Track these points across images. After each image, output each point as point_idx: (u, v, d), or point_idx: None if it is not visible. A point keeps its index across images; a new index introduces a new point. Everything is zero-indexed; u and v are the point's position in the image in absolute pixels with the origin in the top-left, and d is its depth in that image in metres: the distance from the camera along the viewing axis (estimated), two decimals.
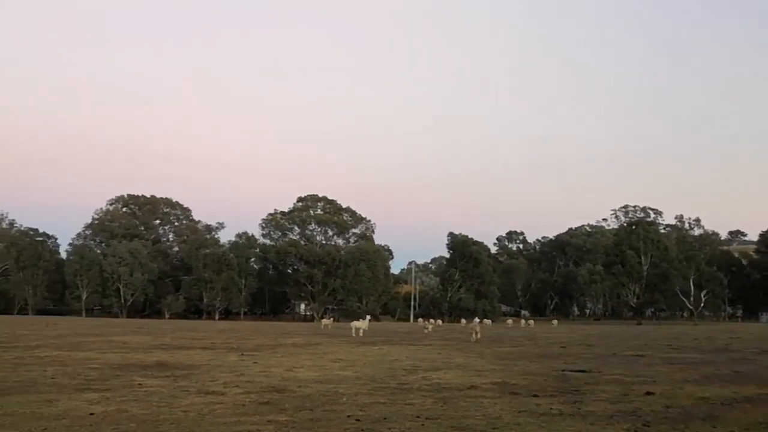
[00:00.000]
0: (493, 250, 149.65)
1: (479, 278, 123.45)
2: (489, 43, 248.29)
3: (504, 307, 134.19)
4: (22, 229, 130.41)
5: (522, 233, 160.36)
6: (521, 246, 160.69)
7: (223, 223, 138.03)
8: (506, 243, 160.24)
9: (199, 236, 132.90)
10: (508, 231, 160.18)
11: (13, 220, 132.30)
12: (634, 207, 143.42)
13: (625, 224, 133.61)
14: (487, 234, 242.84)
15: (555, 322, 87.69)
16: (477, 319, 62.92)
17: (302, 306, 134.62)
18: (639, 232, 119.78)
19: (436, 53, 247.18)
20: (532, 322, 79.84)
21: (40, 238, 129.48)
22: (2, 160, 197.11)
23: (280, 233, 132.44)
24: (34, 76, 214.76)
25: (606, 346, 34.52)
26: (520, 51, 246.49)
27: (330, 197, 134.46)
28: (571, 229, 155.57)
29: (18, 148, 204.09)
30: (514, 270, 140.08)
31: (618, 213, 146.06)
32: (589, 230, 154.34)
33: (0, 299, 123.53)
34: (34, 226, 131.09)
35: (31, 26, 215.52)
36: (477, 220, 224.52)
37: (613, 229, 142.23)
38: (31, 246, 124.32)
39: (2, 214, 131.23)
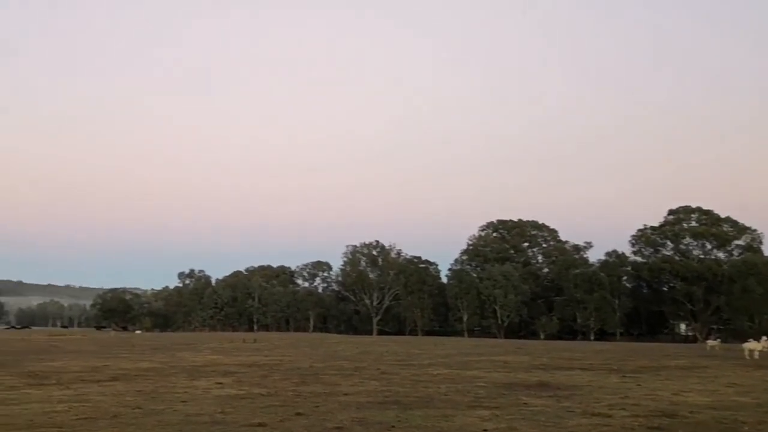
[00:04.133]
0: None
1: None
2: None
3: None
4: (408, 257, 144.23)
5: None
6: None
7: (590, 243, 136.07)
8: None
9: (568, 256, 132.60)
10: None
11: (400, 249, 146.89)
12: None
13: None
14: None
15: None
16: None
17: (682, 326, 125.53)
18: None
19: None
20: None
21: (424, 265, 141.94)
22: (385, 199, 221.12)
23: (651, 249, 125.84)
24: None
25: None
26: None
27: (705, 207, 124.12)
28: None
29: (391, 187, 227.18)
30: None
31: None
32: None
33: (394, 321, 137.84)
34: (418, 254, 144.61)
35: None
36: None
37: None
38: (416, 272, 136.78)
39: (391, 245, 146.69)
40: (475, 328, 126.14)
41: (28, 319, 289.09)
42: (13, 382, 21.85)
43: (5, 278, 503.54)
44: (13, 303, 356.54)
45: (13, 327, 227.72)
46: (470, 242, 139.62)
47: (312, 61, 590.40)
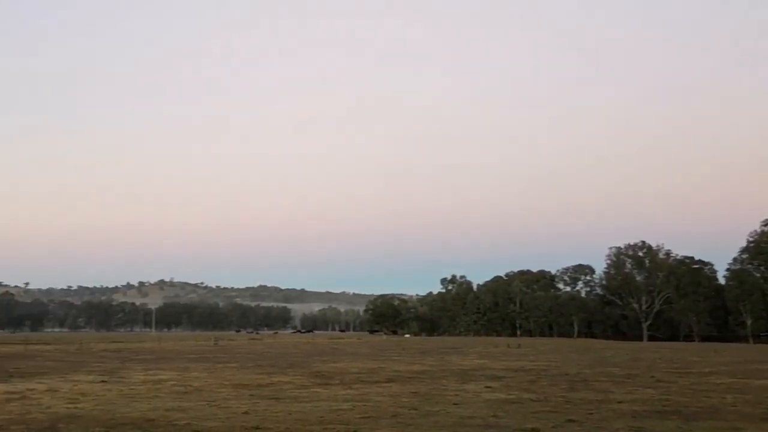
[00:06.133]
0: None
1: None
2: None
3: None
4: (679, 257, 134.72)
5: None
6: None
7: None
8: None
9: None
10: None
11: (669, 250, 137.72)
12: None
13: None
14: None
15: None
16: None
17: None
18: None
19: None
20: None
21: (697, 266, 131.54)
22: (650, 197, 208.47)
23: None
24: None
25: None
26: None
27: None
28: None
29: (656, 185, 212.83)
30: None
31: None
32: None
33: (666, 326, 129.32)
34: (690, 254, 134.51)
35: None
36: None
37: None
38: (689, 274, 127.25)
39: (659, 246, 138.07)
40: (762, 334, 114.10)
41: (310, 324, 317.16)
42: (304, 381, 24.14)
43: (291, 287, 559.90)
44: (298, 309, 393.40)
45: (298, 331, 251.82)
46: (751, 239, 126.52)
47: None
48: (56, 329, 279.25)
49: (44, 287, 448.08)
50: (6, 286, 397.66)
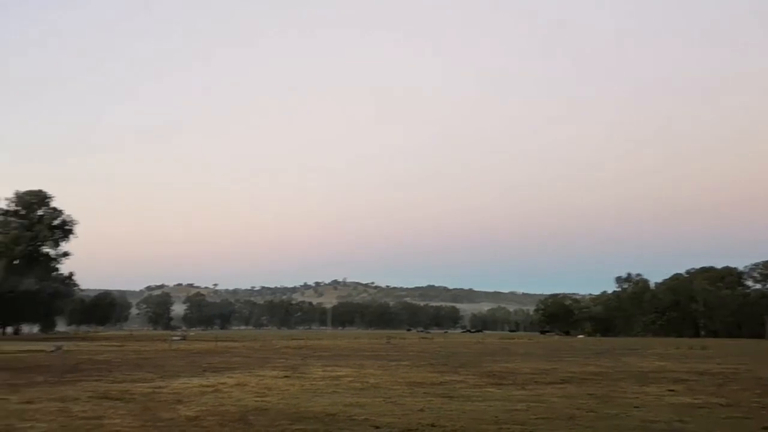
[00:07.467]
0: None
1: None
2: None
3: None
4: None
5: None
6: None
7: None
8: None
9: None
10: None
11: None
12: None
13: None
14: None
15: None
16: None
17: None
18: None
19: None
20: None
21: None
22: None
23: None
24: None
25: None
26: None
27: None
28: None
29: None
30: None
31: None
32: None
33: None
34: None
35: None
36: None
37: None
38: None
39: None
40: None
41: (479, 323, 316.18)
42: (476, 380, 24.14)
43: (460, 287, 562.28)
44: (467, 309, 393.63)
45: (468, 330, 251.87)
46: None
47: None
48: (242, 327, 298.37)
49: (231, 288, 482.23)
50: (198, 287, 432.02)
